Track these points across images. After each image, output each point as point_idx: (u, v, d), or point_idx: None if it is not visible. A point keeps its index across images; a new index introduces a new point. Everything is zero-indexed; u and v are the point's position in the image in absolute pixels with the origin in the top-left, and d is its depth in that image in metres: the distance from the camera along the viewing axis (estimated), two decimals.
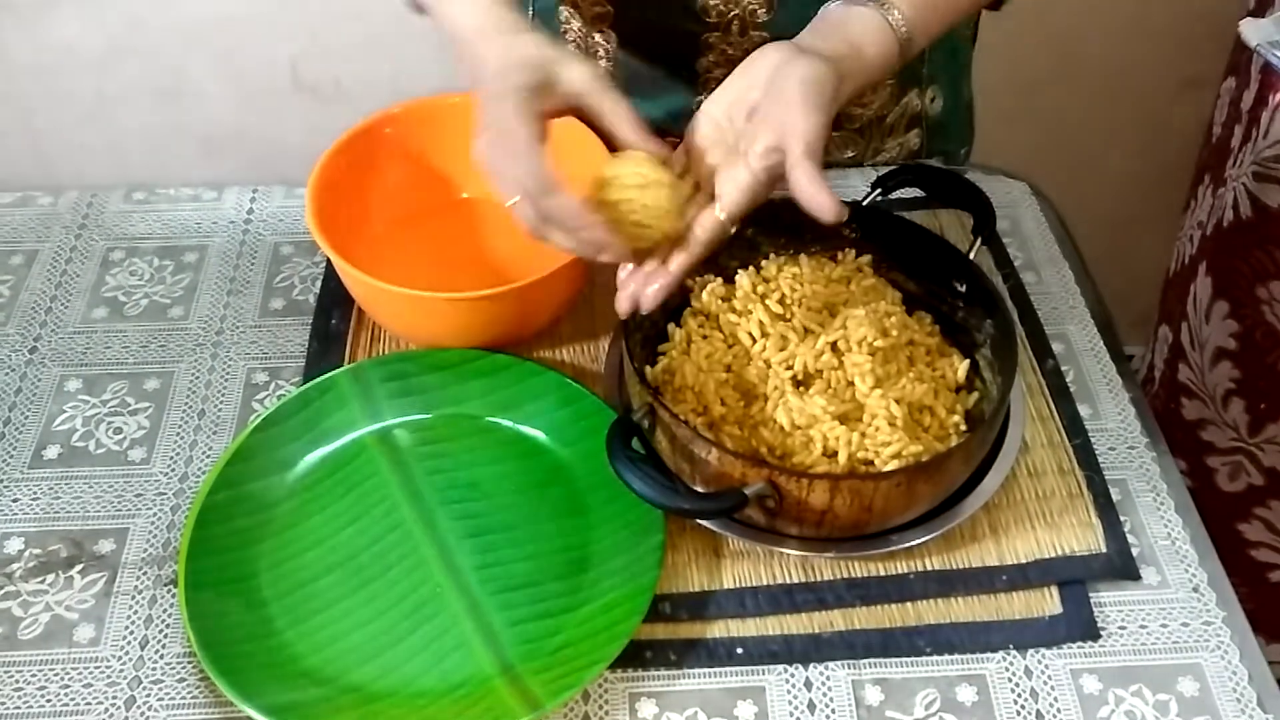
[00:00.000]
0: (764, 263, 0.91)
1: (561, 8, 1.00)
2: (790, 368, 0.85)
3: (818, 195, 0.73)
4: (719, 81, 0.98)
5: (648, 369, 0.85)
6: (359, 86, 1.62)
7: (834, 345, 0.85)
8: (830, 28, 0.81)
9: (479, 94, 0.77)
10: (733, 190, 0.77)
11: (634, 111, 0.79)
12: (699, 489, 0.78)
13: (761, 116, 0.76)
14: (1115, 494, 0.85)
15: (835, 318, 0.86)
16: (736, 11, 0.95)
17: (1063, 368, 0.94)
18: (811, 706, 0.74)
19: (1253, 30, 1.32)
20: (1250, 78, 1.33)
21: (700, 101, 1.00)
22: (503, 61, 0.77)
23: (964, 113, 1.15)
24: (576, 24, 1.00)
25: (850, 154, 1.09)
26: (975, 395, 0.86)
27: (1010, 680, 0.76)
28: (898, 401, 0.81)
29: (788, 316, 0.88)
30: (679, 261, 0.78)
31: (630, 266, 0.80)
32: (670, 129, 1.06)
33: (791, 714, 0.74)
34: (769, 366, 0.85)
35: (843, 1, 0.81)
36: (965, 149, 1.17)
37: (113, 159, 1.68)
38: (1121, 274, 1.49)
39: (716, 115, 0.79)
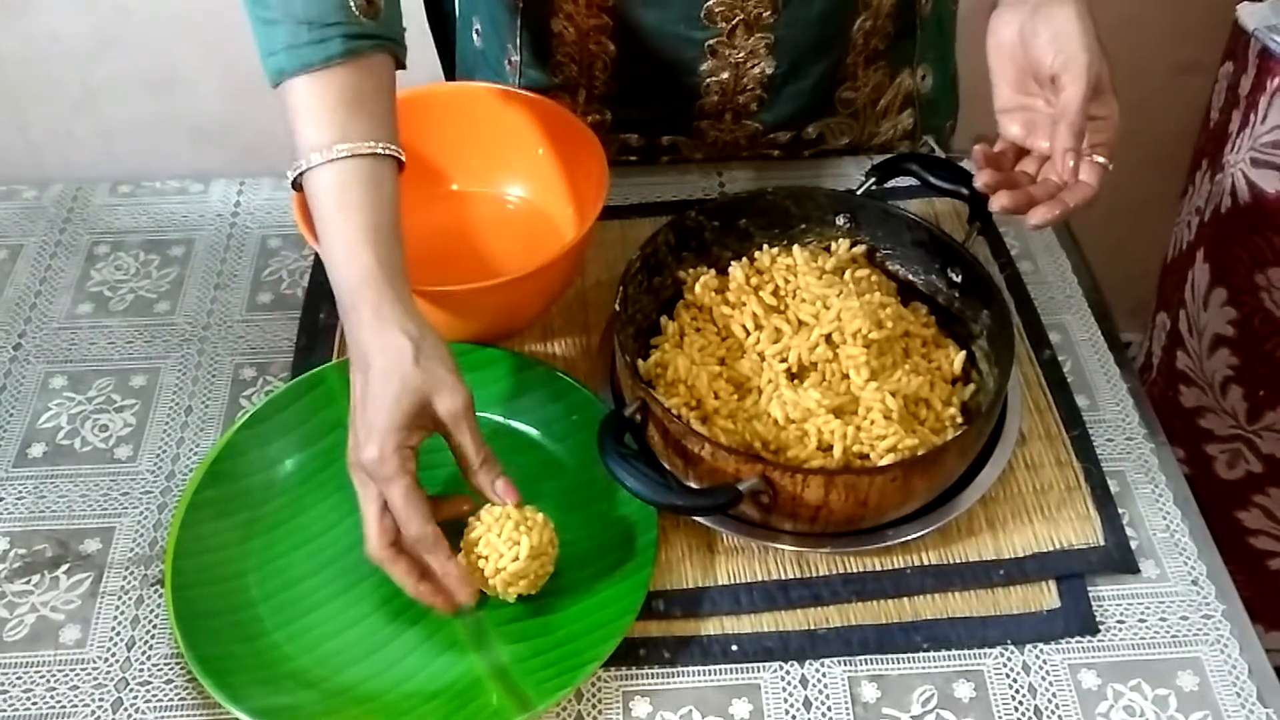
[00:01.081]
0: (757, 254, 0.90)
1: (554, 20, 0.98)
2: (784, 360, 0.84)
3: (1066, 167, 0.78)
4: (721, 86, 0.97)
5: (640, 362, 0.84)
6: None
7: (828, 337, 0.84)
8: None
9: (365, 419, 0.71)
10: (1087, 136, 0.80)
11: (488, 454, 0.74)
12: (692, 485, 0.77)
13: (1052, 76, 0.80)
14: (1113, 486, 0.84)
15: (829, 309, 0.85)
16: (742, 15, 0.93)
17: (1060, 358, 0.93)
18: (807, 704, 0.74)
19: (1250, 14, 1.31)
20: (1248, 62, 1.32)
21: (700, 105, 1.00)
22: (386, 398, 0.70)
23: (951, 86, 1.14)
24: (571, 35, 0.98)
25: (846, 140, 1.08)
26: (971, 387, 0.85)
27: (1008, 676, 0.75)
28: (893, 394, 0.80)
29: (781, 308, 0.87)
30: (1076, 199, 0.80)
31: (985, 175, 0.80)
32: (668, 137, 1.05)
33: (787, 712, 0.73)
34: (763, 359, 0.84)
35: None
36: (952, 122, 1.16)
37: (101, 150, 1.67)
38: (1119, 261, 1.48)
39: (1012, 106, 0.83)
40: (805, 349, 0.83)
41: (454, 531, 0.74)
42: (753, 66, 0.97)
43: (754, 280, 0.88)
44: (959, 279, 0.87)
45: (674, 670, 0.75)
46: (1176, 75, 1.66)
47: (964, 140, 1.19)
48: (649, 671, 0.75)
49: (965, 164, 0.92)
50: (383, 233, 0.73)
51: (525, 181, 1.02)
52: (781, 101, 1.01)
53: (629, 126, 1.05)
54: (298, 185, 0.76)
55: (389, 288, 0.72)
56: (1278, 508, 1.44)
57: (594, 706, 0.73)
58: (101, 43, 1.56)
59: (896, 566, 0.79)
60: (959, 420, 0.83)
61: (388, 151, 0.75)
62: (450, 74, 1.20)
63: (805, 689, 0.74)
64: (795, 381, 0.83)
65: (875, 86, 1.05)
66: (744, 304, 0.86)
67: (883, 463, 0.77)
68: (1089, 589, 0.79)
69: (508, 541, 0.73)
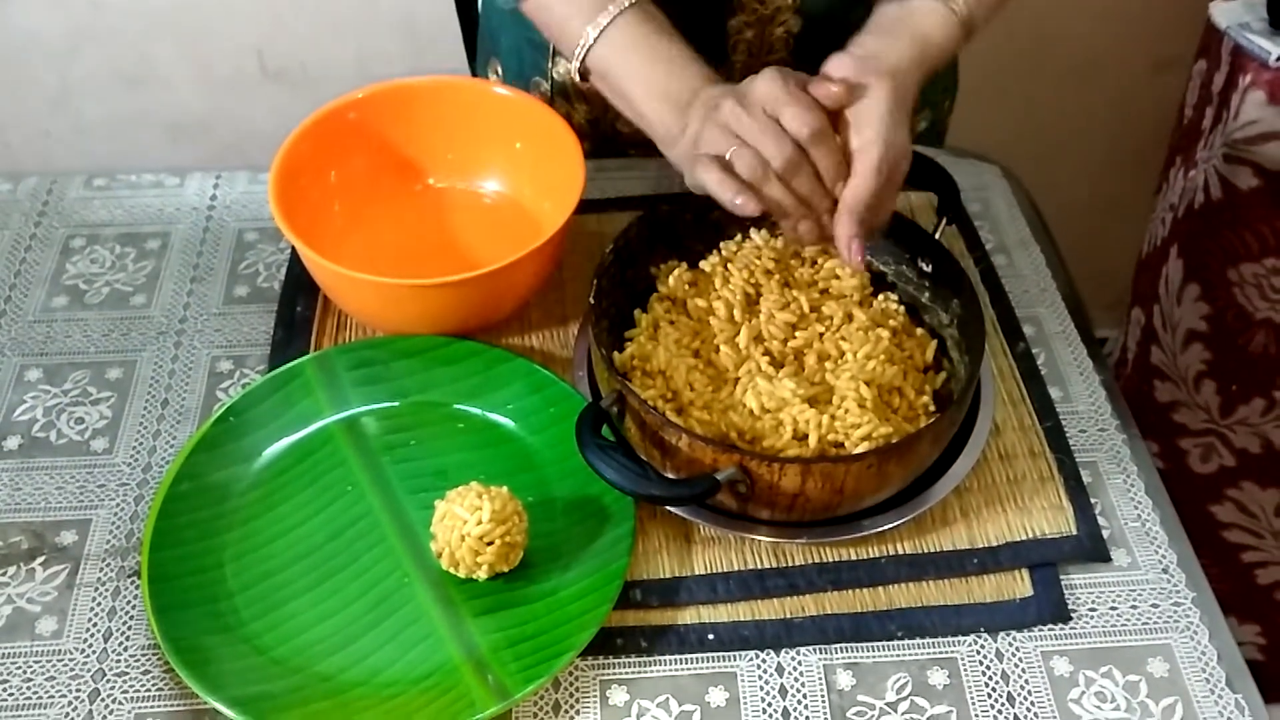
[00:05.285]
0: (724, 244, 0.91)
1: None
2: (761, 339, 0.84)
3: (845, 249, 0.79)
4: (748, 43, 0.98)
5: (615, 355, 0.85)
6: (326, 71, 1.61)
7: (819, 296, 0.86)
8: (891, 24, 0.82)
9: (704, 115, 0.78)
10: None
11: None
12: (670, 475, 0.77)
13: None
14: (1086, 476, 0.85)
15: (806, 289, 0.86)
16: None
17: (1034, 351, 0.94)
18: (783, 691, 0.74)
19: (1223, 13, 1.33)
20: (1221, 60, 1.33)
21: (730, 65, 1.01)
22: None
23: (952, 62, 1.14)
24: None
25: None
26: (943, 375, 0.86)
27: (981, 663, 0.76)
28: (867, 383, 0.80)
29: (756, 298, 0.88)
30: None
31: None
32: None
33: (763, 699, 0.74)
34: (738, 336, 0.84)
35: None
36: (949, 100, 1.16)
37: (77, 147, 1.66)
38: (1094, 257, 1.50)
39: None
40: (786, 314, 0.85)
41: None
42: (779, 25, 0.98)
43: (731, 266, 0.89)
44: (929, 269, 0.88)
45: (651, 659, 0.75)
46: (1154, 73, 1.68)
47: (959, 123, 1.20)
48: (626, 660, 0.75)
49: (942, 160, 0.93)
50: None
51: (502, 176, 1.02)
52: (805, 68, 1.01)
53: None
54: (584, 73, 0.85)
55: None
56: (1250, 501, 1.45)
57: (571, 695, 0.74)
58: (77, 39, 1.55)
59: (872, 556, 0.80)
60: (931, 408, 0.84)
61: None
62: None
63: (781, 677, 0.75)
64: (771, 366, 0.83)
65: None
66: (723, 295, 0.87)
67: (858, 451, 0.78)
68: (1061, 577, 0.80)
69: (470, 508, 0.74)
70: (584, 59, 0.84)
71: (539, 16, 0.88)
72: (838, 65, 0.79)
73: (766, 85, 0.77)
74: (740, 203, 0.76)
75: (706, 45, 0.99)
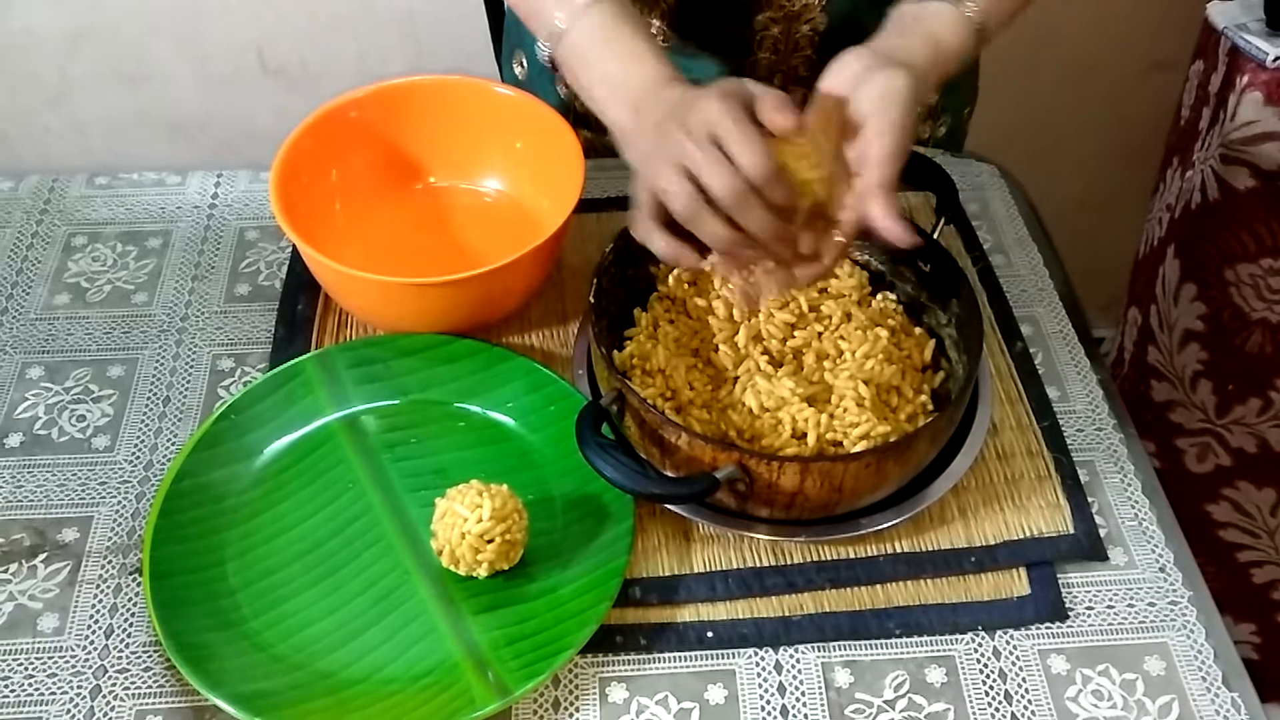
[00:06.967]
0: None
1: None
2: (760, 338, 0.84)
3: (892, 226, 0.74)
4: (774, 40, 0.98)
5: (615, 353, 0.85)
6: (326, 68, 1.61)
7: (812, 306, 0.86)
8: (906, 25, 0.81)
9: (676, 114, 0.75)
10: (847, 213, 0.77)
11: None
12: (669, 474, 0.78)
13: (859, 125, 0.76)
14: (1083, 475, 0.85)
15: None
16: None
17: (1031, 350, 0.94)
18: (781, 689, 0.74)
19: (1220, 13, 1.33)
20: (1218, 60, 1.34)
21: (754, 64, 1.00)
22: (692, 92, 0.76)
23: (973, 70, 1.14)
24: None
25: None
26: (941, 374, 0.86)
27: (979, 661, 0.76)
28: (865, 383, 0.81)
29: None
30: (807, 275, 0.78)
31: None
32: None
33: (761, 697, 0.74)
34: (739, 349, 0.84)
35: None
36: (969, 109, 1.16)
37: (78, 144, 1.66)
38: (1091, 257, 1.50)
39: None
40: (784, 315, 0.85)
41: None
42: (805, 22, 0.98)
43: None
44: (927, 268, 0.88)
45: (650, 656, 0.76)
46: (1150, 73, 1.68)
47: (978, 130, 1.20)
48: (625, 658, 0.76)
49: (940, 160, 0.93)
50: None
51: (502, 175, 1.02)
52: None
53: None
54: (554, 64, 0.83)
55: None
56: (1246, 501, 1.46)
57: (571, 693, 0.74)
58: (77, 36, 1.56)
59: (870, 554, 0.80)
60: (929, 407, 0.84)
61: None
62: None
63: (780, 674, 0.75)
64: (771, 366, 0.84)
65: None
66: (722, 294, 0.87)
67: (856, 449, 0.78)
68: (1059, 576, 0.80)
69: (470, 506, 0.75)
70: (555, 49, 0.83)
71: (517, 5, 0.87)
72: (854, 58, 0.77)
73: (714, 111, 0.72)
74: (669, 257, 0.76)
75: (732, 42, 1.00)
